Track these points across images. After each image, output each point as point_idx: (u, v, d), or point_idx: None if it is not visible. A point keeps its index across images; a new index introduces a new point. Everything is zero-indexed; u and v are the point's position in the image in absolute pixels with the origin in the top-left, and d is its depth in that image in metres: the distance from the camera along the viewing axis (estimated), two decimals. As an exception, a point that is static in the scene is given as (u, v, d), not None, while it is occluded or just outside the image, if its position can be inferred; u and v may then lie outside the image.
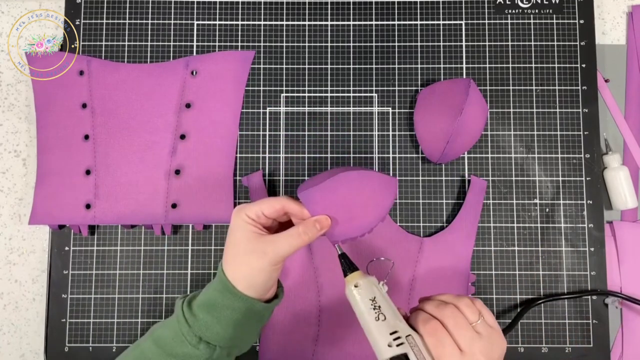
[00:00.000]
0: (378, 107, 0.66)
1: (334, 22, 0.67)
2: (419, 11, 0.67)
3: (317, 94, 0.66)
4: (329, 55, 0.66)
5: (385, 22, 0.67)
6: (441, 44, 0.66)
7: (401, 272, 0.62)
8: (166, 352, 0.49)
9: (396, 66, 0.66)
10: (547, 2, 0.67)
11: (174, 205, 0.63)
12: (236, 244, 0.50)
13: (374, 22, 0.67)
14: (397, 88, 0.66)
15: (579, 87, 0.65)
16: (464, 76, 0.66)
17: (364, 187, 0.51)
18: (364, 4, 0.67)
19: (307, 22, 0.67)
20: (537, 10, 0.67)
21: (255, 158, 0.65)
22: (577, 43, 0.66)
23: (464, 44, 0.66)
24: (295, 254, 0.60)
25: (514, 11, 0.67)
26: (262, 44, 0.67)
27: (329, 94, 0.66)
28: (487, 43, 0.66)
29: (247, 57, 0.66)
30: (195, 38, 0.67)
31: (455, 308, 0.47)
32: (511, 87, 0.66)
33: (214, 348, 0.49)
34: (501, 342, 0.47)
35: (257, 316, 0.51)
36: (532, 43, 0.66)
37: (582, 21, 0.66)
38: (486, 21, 0.67)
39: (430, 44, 0.66)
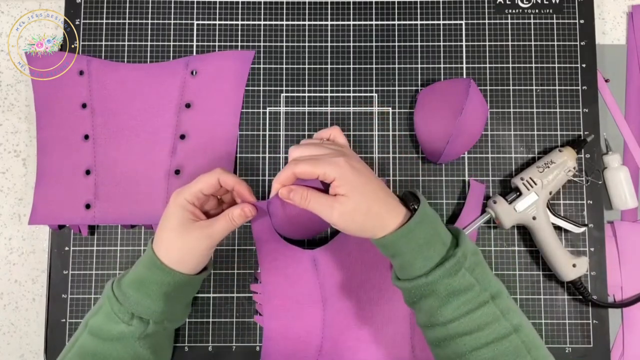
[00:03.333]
0: (378, 107, 0.66)
1: (334, 22, 0.67)
2: (419, 11, 0.67)
3: (317, 94, 0.66)
4: (329, 55, 0.66)
5: (385, 22, 0.67)
6: (441, 44, 0.66)
7: None
8: (102, 339, 0.51)
9: (396, 66, 0.66)
10: (547, 2, 0.67)
11: (174, 205, 0.63)
12: (172, 229, 0.52)
13: (374, 22, 0.67)
14: (397, 88, 0.66)
15: (579, 87, 0.65)
16: (464, 76, 0.66)
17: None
18: (364, 4, 0.67)
19: (307, 22, 0.67)
20: (537, 10, 0.67)
21: (255, 158, 0.65)
22: (577, 43, 0.66)
23: (464, 44, 0.66)
24: (299, 270, 0.62)
25: (514, 11, 0.67)
26: (262, 44, 0.67)
27: (329, 94, 0.66)
28: (487, 43, 0.66)
29: (247, 57, 0.66)
30: (195, 38, 0.67)
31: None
32: (511, 87, 0.66)
33: (147, 322, 0.52)
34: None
35: (187, 287, 0.54)
36: (532, 43, 0.66)
37: (582, 21, 0.66)
38: (486, 21, 0.67)
39: (430, 44, 0.66)
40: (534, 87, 0.66)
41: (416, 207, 0.50)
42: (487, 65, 0.66)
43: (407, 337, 0.60)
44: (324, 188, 0.51)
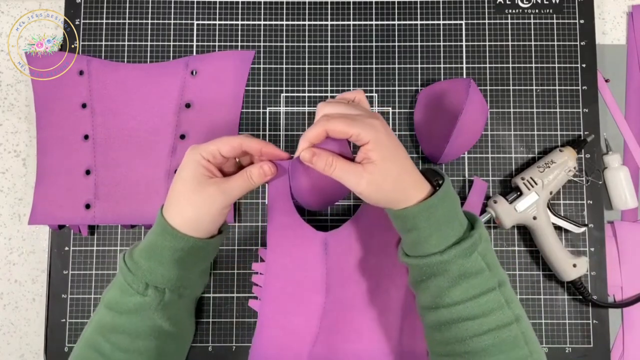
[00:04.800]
0: (378, 107, 0.66)
1: (334, 22, 0.67)
2: (419, 11, 0.67)
3: (317, 94, 0.66)
4: (329, 55, 0.66)
5: (385, 22, 0.67)
6: (441, 44, 0.66)
7: (403, 271, 0.61)
8: (119, 312, 0.50)
9: (396, 66, 0.66)
10: (547, 2, 0.67)
11: (174, 205, 0.63)
12: (184, 183, 0.48)
13: (374, 22, 0.67)
14: (397, 88, 0.66)
15: (579, 87, 0.65)
16: (464, 76, 0.66)
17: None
18: (364, 4, 0.67)
19: (307, 22, 0.67)
20: (537, 10, 0.67)
21: (255, 158, 0.65)
22: (577, 43, 0.66)
23: (464, 44, 0.66)
24: (308, 253, 0.59)
25: (514, 11, 0.67)
26: (262, 44, 0.67)
27: (329, 94, 0.66)
28: (487, 43, 0.66)
29: (247, 57, 0.66)
30: (195, 38, 0.67)
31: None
32: (511, 87, 0.66)
33: (162, 291, 0.50)
34: None
35: (202, 252, 0.51)
36: (532, 43, 0.66)
37: (582, 21, 0.66)
38: (486, 21, 0.67)
39: (430, 44, 0.66)
40: (534, 87, 0.66)
41: (440, 183, 0.48)
42: (487, 65, 0.66)
43: (397, 327, 0.59)
44: (348, 151, 0.48)
